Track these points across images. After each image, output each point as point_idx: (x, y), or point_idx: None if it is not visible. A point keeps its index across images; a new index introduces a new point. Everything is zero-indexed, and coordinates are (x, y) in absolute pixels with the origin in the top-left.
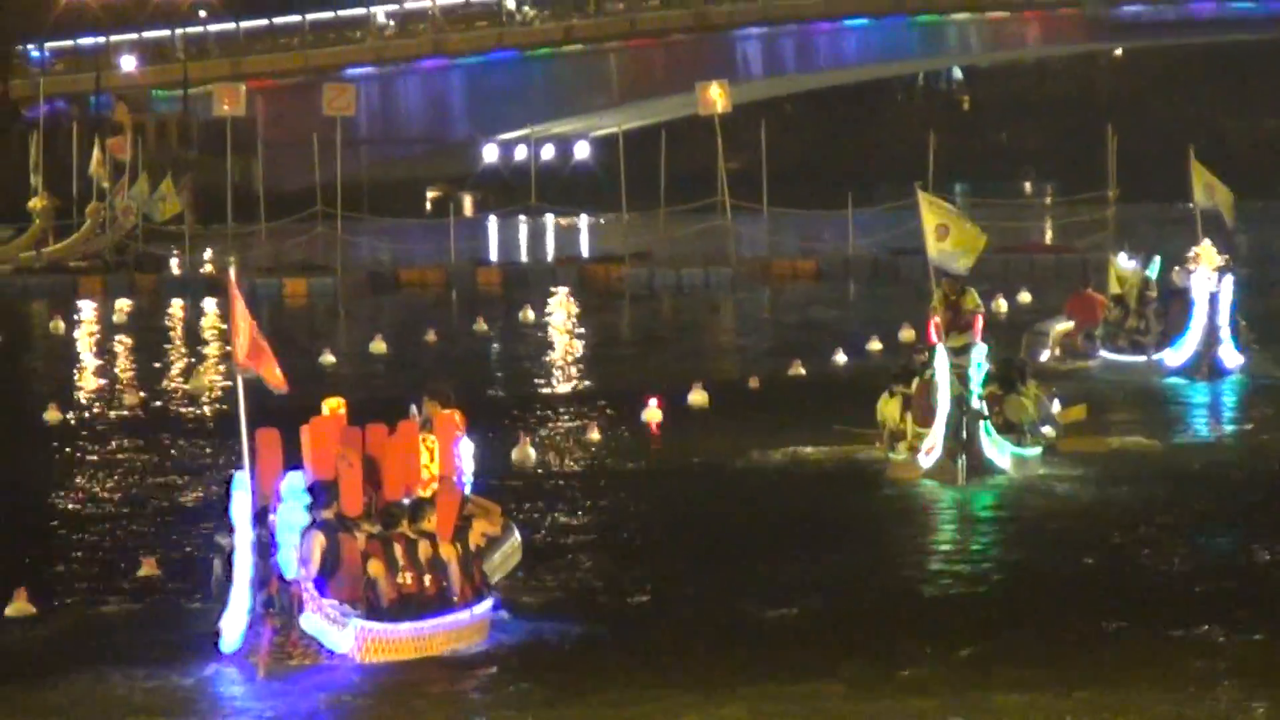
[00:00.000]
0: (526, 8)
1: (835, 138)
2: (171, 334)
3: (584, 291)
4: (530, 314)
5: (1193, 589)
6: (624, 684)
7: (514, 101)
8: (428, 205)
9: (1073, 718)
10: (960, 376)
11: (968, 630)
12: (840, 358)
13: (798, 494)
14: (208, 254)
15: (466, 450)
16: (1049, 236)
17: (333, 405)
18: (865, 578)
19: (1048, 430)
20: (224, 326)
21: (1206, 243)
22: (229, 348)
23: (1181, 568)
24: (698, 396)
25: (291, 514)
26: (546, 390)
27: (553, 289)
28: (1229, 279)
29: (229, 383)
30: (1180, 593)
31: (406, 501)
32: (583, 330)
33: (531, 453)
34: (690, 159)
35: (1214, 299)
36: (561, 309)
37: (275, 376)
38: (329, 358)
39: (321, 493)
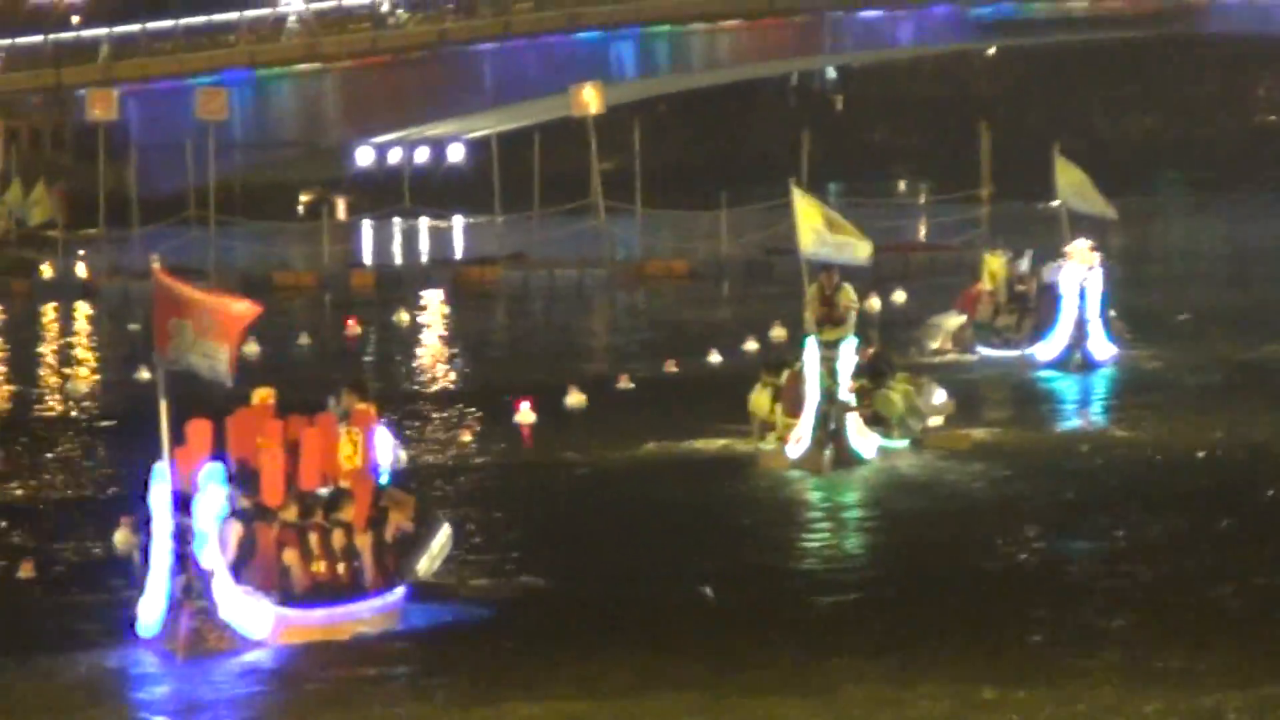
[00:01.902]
0: (400, 10)
1: (709, 138)
2: (45, 338)
3: (458, 294)
4: (404, 316)
5: (1055, 578)
6: (524, 666)
7: (388, 104)
8: (300, 208)
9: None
10: (829, 369)
11: (838, 628)
12: (715, 357)
13: (672, 486)
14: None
15: (384, 442)
16: (923, 235)
17: (262, 394)
18: (734, 569)
19: (914, 424)
20: (92, 329)
21: (1081, 240)
22: (159, 343)
23: (1043, 557)
24: (574, 397)
25: (210, 502)
26: (419, 392)
27: (426, 291)
28: (1098, 273)
29: (102, 384)
30: (1042, 580)
31: (323, 491)
32: (457, 332)
33: (402, 455)
34: (564, 160)
35: (1083, 293)
36: (435, 311)
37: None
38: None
39: (240, 482)
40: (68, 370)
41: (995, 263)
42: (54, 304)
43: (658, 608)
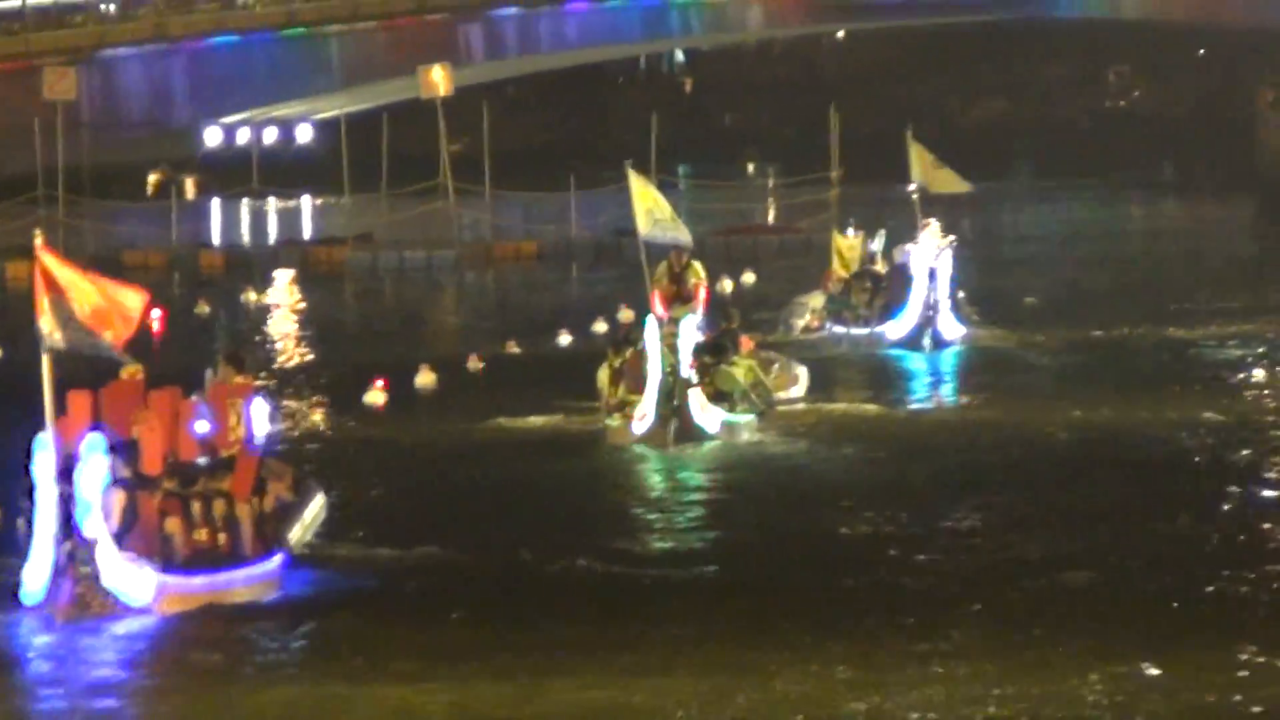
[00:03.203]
0: None
1: (559, 121)
2: None
3: (307, 274)
4: (252, 296)
5: (904, 555)
6: (389, 627)
7: (236, 85)
8: (149, 188)
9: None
10: (670, 346)
11: (686, 607)
12: (564, 338)
13: (519, 463)
14: None
15: (260, 412)
16: (772, 217)
17: (130, 371)
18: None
19: (759, 399)
20: None
21: (933, 222)
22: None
23: (890, 531)
24: (424, 377)
25: (93, 471)
26: (270, 371)
27: (275, 271)
28: (947, 254)
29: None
30: (891, 558)
31: (203, 461)
32: (306, 312)
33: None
34: (413, 142)
35: (933, 273)
36: (284, 291)
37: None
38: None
39: (121, 451)
40: None
41: (844, 243)
42: None
43: (498, 581)
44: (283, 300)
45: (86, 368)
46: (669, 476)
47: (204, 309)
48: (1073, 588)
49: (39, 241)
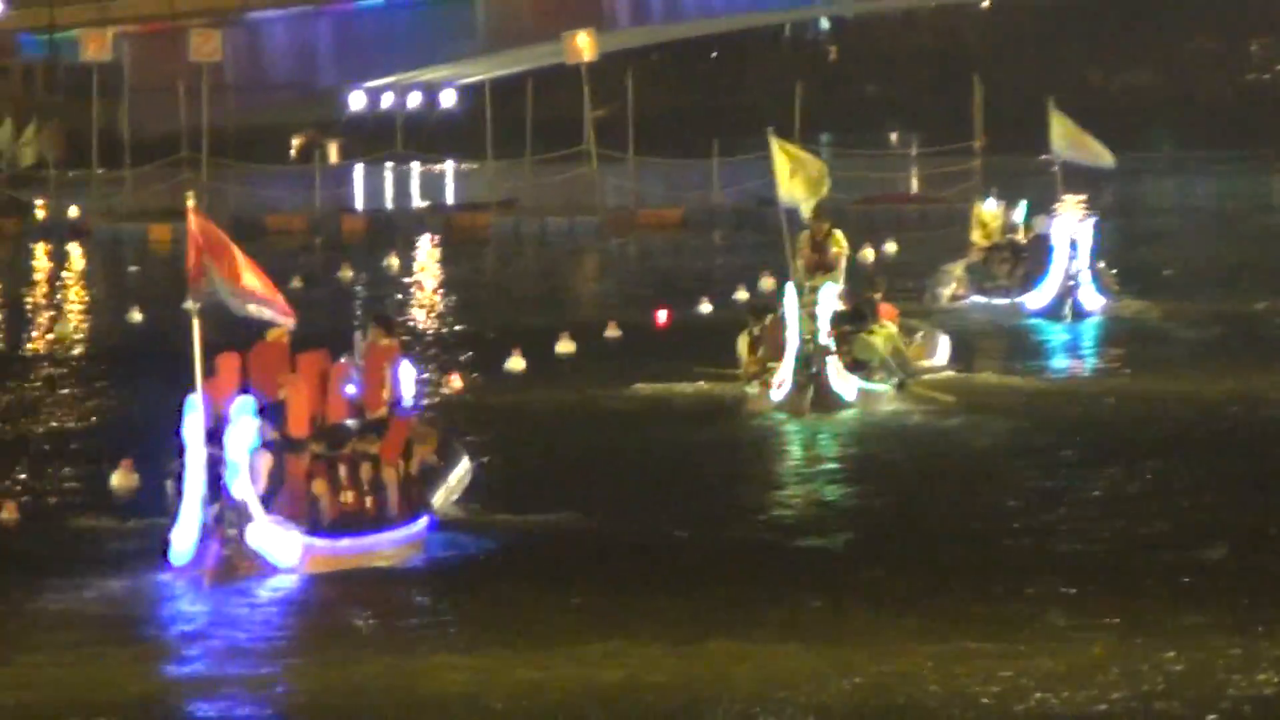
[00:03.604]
0: None
1: (702, 88)
2: (36, 279)
3: (449, 240)
4: (395, 261)
5: (1018, 524)
6: (540, 593)
7: (381, 48)
8: (292, 152)
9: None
10: (810, 314)
11: (821, 577)
12: (705, 306)
13: (659, 429)
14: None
15: (407, 375)
16: (915, 187)
17: (276, 333)
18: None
19: (898, 368)
20: (81, 270)
21: (1075, 196)
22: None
23: (1026, 503)
24: (564, 345)
25: (241, 434)
26: (409, 338)
27: (418, 237)
28: (1089, 224)
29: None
30: (1018, 526)
31: (351, 423)
32: (447, 278)
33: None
34: (557, 107)
35: (1074, 244)
36: (427, 257)
37: (282, 306)
38: (190, 304)
39: (269, 414)
40: (56, 312)
41: (985, 214)
42: (45, 245)
43: (643, 548)
44: (424, 266)
45: (231, 331)
46: (806, 444)
47: (346, 274)
48: (1210, 561)
49: (191, 204)
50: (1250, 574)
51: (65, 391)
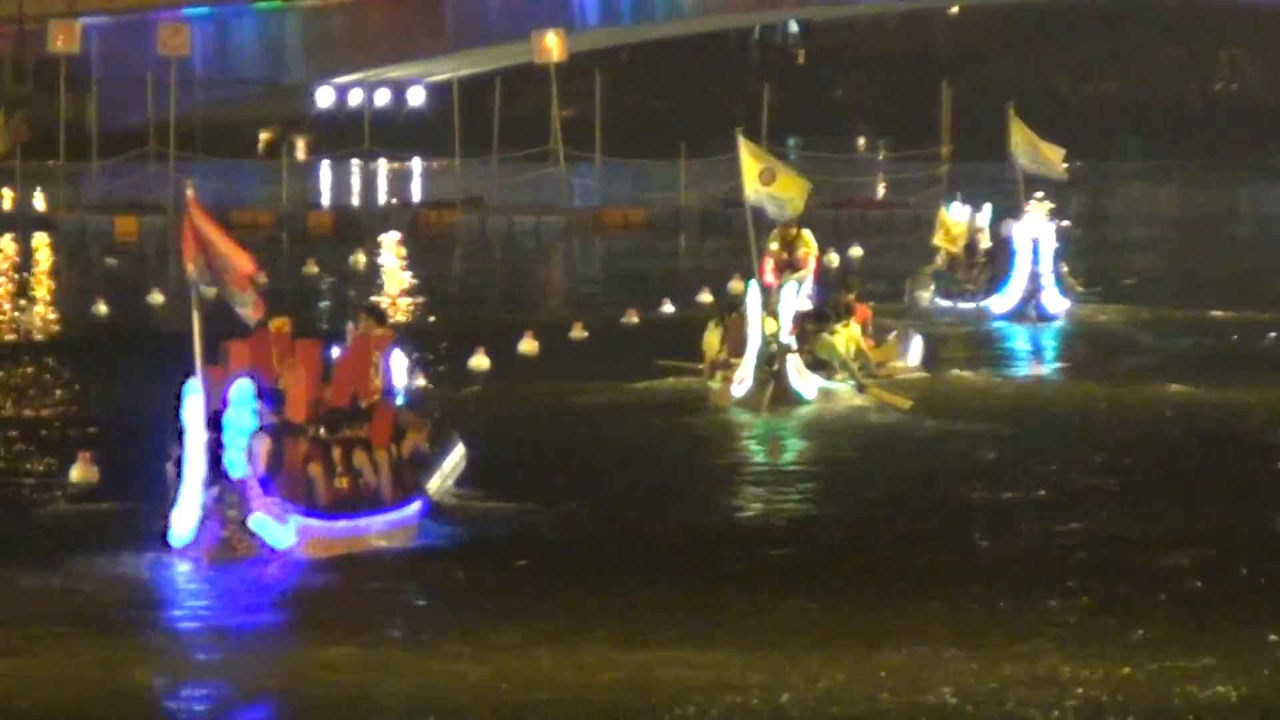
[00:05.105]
0: None
1: (670, 89)
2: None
3: (415, 237)
4: (361, 258)
5: (978, 527)
6: (531, 575)
7: (350, 45)
8: (260, 147)
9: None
10: (772, 312)
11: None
12: (668, 307)
13: (619, 423)
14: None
15: (399, 364)
16: (881, 192)
17: (278, 323)
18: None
19: (858, 368)
20: (50, 262)
21: (1039, 195)
22: (189, 264)
23: (984, 502)
24: (528, 345)
25: (240, 417)
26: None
27: (384, 234)
28: (1051, 228)
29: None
30: (974, 527)
31: (346, 409)
32: (413, 276)
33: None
34: (525, 107)
35: (1036, 248)
36: (392, 254)
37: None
38: (158, 297)
39: (268, 398)
40: (23, 301)
41: (949, 219)
42: (11, 235)
43: (606, 540)
44: (390, 262)
45: (230, 317)
46: (763, 441)
47: (312, 269)
48: (1178, 567)
49: (190, 194)
50: (1214, 578)
51: (28, 379)
